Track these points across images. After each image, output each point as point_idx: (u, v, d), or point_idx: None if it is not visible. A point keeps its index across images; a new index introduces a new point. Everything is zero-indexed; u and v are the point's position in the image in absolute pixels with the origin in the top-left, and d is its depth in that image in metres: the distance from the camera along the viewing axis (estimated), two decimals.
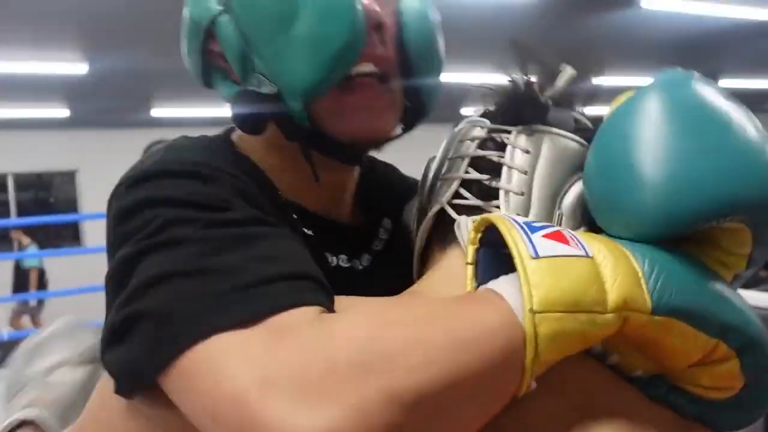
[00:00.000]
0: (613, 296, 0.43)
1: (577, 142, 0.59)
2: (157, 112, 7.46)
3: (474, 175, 0.58)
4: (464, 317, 0.44)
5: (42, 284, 6.82)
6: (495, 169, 0.58)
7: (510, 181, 0.57)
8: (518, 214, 0.55)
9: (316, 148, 0.60)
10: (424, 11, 0.61)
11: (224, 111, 0.61)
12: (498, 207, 0.56)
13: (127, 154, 8.22)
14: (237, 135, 0.66)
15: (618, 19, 4.98)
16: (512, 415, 0.46)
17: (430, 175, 0.62)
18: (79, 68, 5.10)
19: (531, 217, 0.55)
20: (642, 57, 6.63)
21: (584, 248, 0.46)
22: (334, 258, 0.64)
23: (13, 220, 8.10)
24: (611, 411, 0.49)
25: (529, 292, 0.42)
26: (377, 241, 0.70)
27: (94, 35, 4.56)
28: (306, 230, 0.61)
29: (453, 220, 0.56)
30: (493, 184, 0.57)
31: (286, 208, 0.60)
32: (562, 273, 0.43)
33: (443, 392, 0.40)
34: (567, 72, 0.59)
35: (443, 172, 0.61)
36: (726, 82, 8.53)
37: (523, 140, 0.58)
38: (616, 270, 0.44)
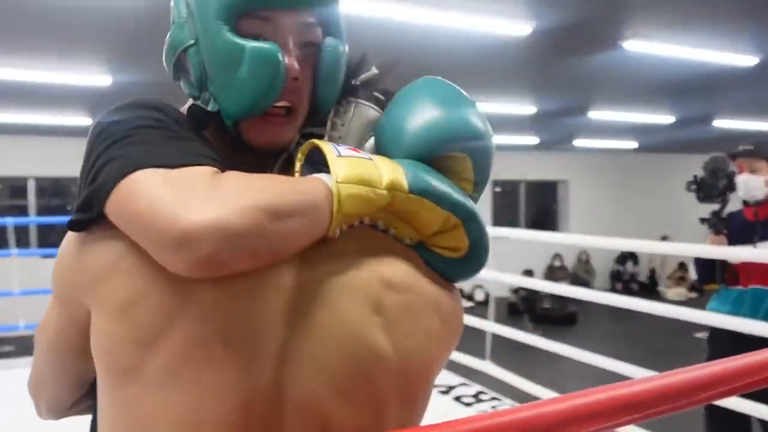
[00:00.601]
0: (385, 180, 0.74)
1: (375, 110, 0.88)
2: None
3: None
4: (301, 182, 0.74)
5: None
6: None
7: (334, 130, 0.87)
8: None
9: (239, 149, 0.85)
10: (330, 70, 0.85)
11: None
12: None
13: None
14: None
15: (603, 60, 5.29)
16: (324, 246, 0.74)
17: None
18: (103, 80, 5.53)
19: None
20: (628, 95, 6.95)
21: (369, 156, 0.77)
22: None
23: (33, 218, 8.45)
24: (393, 251, 0.78)
25: (335, 172, 0.72)
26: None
27: (118, 51, 4.93)
28: None
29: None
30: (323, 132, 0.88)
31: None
32: (355, 164, 0.74)
33: (288, 211, 0.68)
34: (372, 71, 0.91)
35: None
36: (717, 123, 8.80)
37: (342, 108, 0.88)
38: (387, 167, 0.75)
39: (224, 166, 0.75)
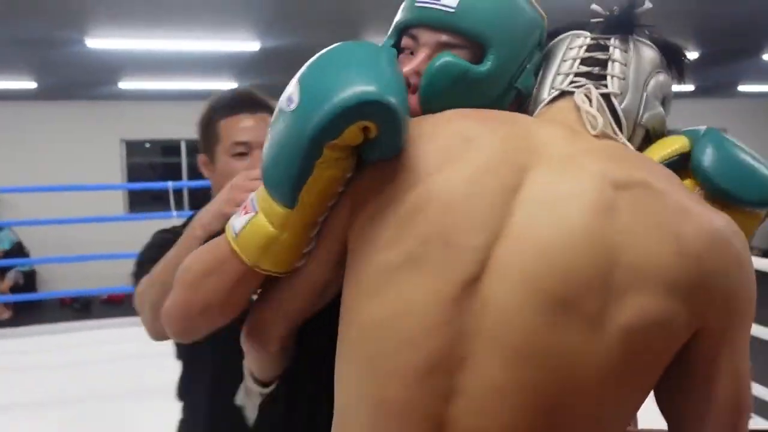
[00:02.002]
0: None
1: (651, 47, 0.88)
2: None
3: (583, 68, 0.87)
4: (214, 243, 0.87)
5: None
6: (601, 64, 0.86)
7: (614, 70, 0.85)
8: (620, 93, 0.84)
9: None
10: (437, 72, 0.83)
11: None
12: (606, 86, 0.84)
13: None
14: None
15: None
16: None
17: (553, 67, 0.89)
18: (252, 46, 5.58)
19: (627, 96, 0.84)
20: None
21: (254, 207, 0.80)
22: None
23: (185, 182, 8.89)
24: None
25: (236, 244, 0.80)
26: None
27: (266, 16, 4.93)
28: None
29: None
30: (604, 71, 0.85)
31: None
32: (248, 236, 0.79)
33: (201, 278, 0.85)
34: (646, 5, 0.88)
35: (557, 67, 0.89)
36: None
37: (619, 44, 0.87)
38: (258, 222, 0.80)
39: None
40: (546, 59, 0.90)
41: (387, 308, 0.70)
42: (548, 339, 0.65)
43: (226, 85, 7.50)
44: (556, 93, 0.86)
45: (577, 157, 0.74)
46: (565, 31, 0.91)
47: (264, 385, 0.97)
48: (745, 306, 0.70)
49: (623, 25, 0.87)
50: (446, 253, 0.69)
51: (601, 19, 0.89)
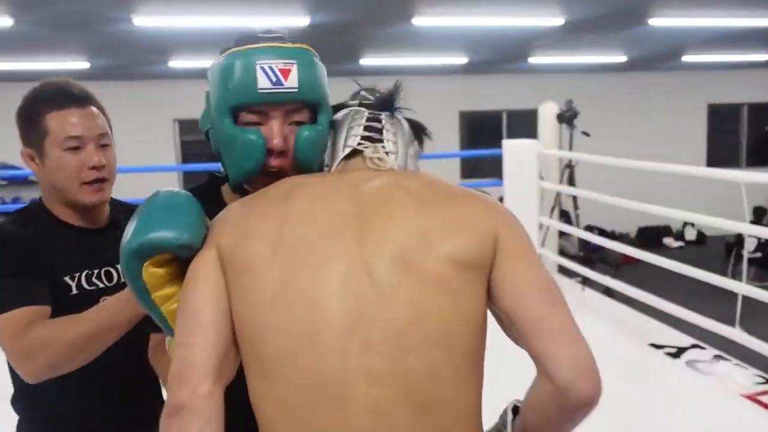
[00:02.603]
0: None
1: (405, 122, 1.15)
2: (365, 61, 7.72)
3: (366, 134, 1.11)
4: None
5: None
6: (377, 131, 1.10)
7: (388, 136, 1.10)
8: (395, 152, 1.10)
9: (241, 193, 1.15)
10: (302, 148, 1.10)
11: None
12: (384, 147, 1.09)
13: (334, 101, 8.70)
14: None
15: None
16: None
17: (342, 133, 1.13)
18: (301, 21, 5.42)
19: (399, 155, 1.11)
20: None
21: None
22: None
23: None
24: None
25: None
26: None
27: None
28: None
29: None
30: (381, 136, 1.10)
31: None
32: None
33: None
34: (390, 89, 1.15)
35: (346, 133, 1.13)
36: None
37: (388, 119, 1.12)
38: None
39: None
40: (335, 127, 1.14)
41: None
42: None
43: None
44: (349, 150, 1.10)
45: (383, 185, 1.02)
46: (344, 107, 1.16)
47: None
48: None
49: (389, 106, 1.13)
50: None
51: (371, 100, 1.14)
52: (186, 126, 9.36)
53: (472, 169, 9.84)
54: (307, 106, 1.11)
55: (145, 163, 7.80)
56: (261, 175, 1.09)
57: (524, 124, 9.40)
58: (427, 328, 0.89)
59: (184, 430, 0.84)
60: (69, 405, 1.34)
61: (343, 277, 0.90)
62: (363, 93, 1.17)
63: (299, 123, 1.10)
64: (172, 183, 8.86)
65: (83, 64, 7.13)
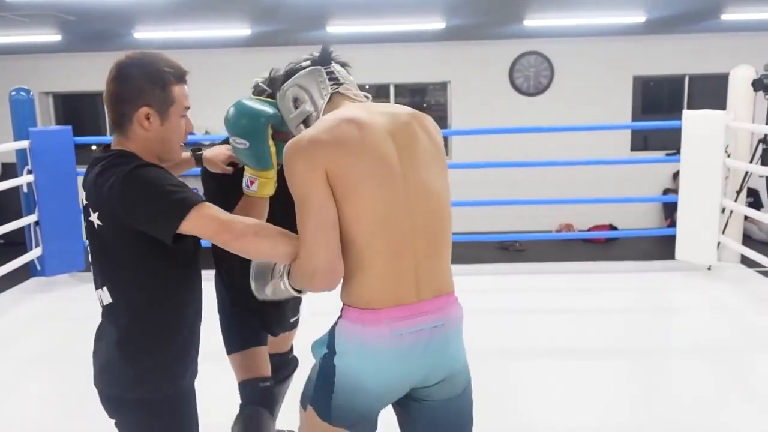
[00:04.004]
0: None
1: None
2: (529, 22, 7.17)
3: (331, 81, 1.62)
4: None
5: None
6: (335, 78, 1.62)
7: (343, 78, 1.63)
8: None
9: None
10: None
11: None
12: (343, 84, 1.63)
13: (494, 65, 8.17)
14: None
15: None
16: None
17: None
18: None
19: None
20: None
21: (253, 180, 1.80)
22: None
23: None
24: None
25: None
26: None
27: None
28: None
29: None
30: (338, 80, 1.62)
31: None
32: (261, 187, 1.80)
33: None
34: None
35: None
36: None
37: (336, 68, 1.64)
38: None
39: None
40: (302, 86, 1.61)
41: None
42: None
43: (437, 24, 7.08)
44: (328, 96, 1.58)
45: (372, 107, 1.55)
46: (300, 70, 1.63)
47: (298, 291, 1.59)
48: None
49: (328, 60, 1.63)
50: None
51: (314, 58, 1.64)
52: None
53: (644, 140, 8.98)
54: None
55: None
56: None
57: (710, 92, 8.34)
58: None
59: (338, 282, 1.44)
60: (185, 335, 1.62)
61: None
62: (305, 57, 1.65)
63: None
64: None
65: (245, 31, 7.25)
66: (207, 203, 1.46)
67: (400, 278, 1.43)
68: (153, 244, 1.45)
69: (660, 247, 7.79)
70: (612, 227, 8.43)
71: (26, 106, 5.07)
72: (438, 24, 7.12)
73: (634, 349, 3.59)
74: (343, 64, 1.66)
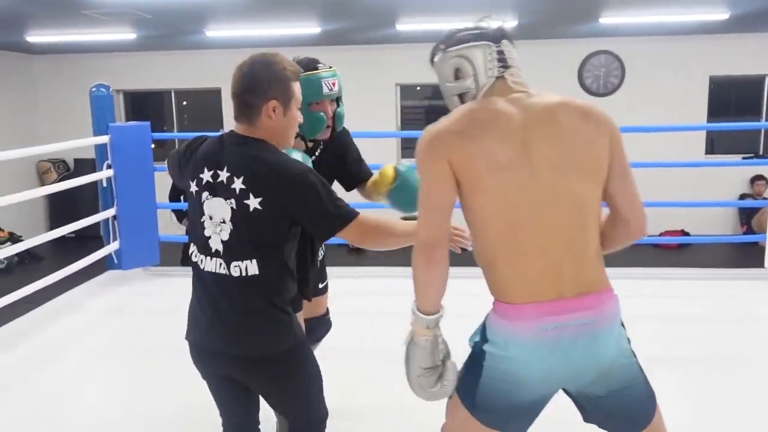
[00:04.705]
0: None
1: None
2: (605, 20, 6.96)
3: (498, 64, 1.57)
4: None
5: None
6: (503, 60, 1.55)
7: (513, 62, 1.56)
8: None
9: (305, 140, 2.24)
10: (339, 119, 2.26)
11: None
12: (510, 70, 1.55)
13: (562, 65, 7.95)
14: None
15: None
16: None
17: None
18: None
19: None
20: None
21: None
22: (312, 157, 2.22)
23: None
24: None
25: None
26: (320, 153, 2.32)
27: None
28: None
29: None
30: (506, 63, 1.55)
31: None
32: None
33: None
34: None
35: None
36: None
37: (508, 45, 1.58)
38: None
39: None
40: (470, 60, 1.53)
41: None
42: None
43: (508, 21, 6.94)
44: (493, 79, 1.51)
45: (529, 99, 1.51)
46: (470, 39, 1.55)
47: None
48: None
49: (506, 35, 1.56)
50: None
51: (484, 30, 1.55)
52: (406, 91, 9.32)
53: (720, 142, 8.65)
54: (339, 98, 2.25)
55: (366, 127, 7.88)
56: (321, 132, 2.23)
57: None
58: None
59: (439, 256, 1.45)
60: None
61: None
62: (482, 24, 1.56)
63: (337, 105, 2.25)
64: (391, 148, 8.89)
65: (314, 29, 7.27)
66: (361, 215, 1.73)
67: (537, 274, 1.42)
68: (299, 232, 1.75)
69: (738, 254, 7.48)
70: (684, 233, 8.15)
71: (106, 102, 5.17)
72: (510, 22, 7.00)
73: (716, 359, 3.42)
74: (509, 40, 1.57)
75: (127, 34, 7.69)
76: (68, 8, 6.15)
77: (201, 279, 1.76)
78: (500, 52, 1.52)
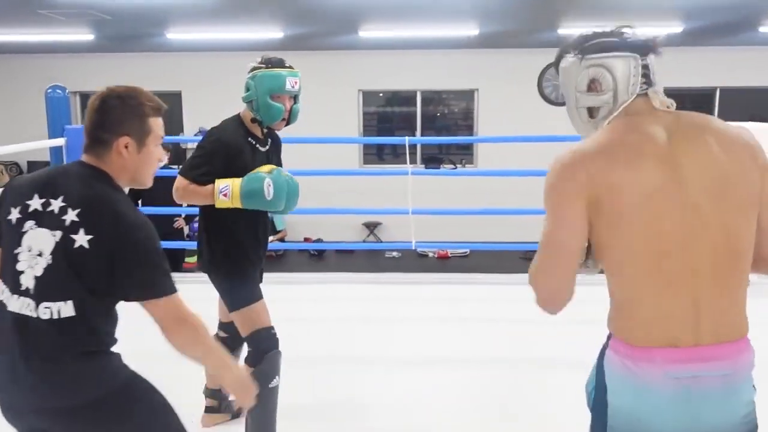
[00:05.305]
0: None
1: None
2: (564, 31, 7.11)
3: (642, 80, 1.40)
4: None
5: None
6: (646, 76, 1.38)
7: (656, 79, 1.41)
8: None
9: (262, 126, 2.54)
10: (297, 110, 2.55)
11: None
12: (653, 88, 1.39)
13: (523, 74, 8.09)
14: (243, 111, 2.55)
15: None
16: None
17: None
18: None
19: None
20: None
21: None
22: (261, 147, 2.56)
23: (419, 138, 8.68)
24: None
25: None
26: (267, 145, 2.60)
27: None
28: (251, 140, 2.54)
29: None
30: (649, 80, 1.39)
31: (247, 137, 2.52)
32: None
33: None
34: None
35: None
36: None
37: (653, 61, 1.41)
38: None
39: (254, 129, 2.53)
40: (613, 73, 1.36)
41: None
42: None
43: (470, 30, 7.04)
44: (634, 96, 1.36)
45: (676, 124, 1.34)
46: (612, 48, 1.38)
47: None
48: None
49: (653, 50, 1.38)
50: None
51: (631, 40, 1.38)
52: (369, 97, 9.35)
53: None
54: (296, 96, 2.53)
55: (329, 133, 7.87)
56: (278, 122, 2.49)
57: (745, 105, 8.25)
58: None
59: (560, 303, 1.34)
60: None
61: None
62: (626, 33, 1.39)
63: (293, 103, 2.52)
64: (353, 154, 8.90)
65: (277, 34, 7.24)
66: (180, 296, 1.57)
67: (675, 317, 1.26)
68: (126, 283, 1.56)
69: None
70: None
71: (62, 104, 5.06)
72: (472, 30, 7.08)
73: None
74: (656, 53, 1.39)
75: (85, 35, 7.54)
76: (24, 7, 6.01)
77: (3, 321, 1.53)
78: (645, 66, 1.36)
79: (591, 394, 1.38)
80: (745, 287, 1.32)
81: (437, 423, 2.81)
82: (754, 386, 1.33)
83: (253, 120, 2.48)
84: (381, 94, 9.48)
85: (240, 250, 2.50)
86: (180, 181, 2.43)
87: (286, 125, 2.52)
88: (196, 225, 8.91)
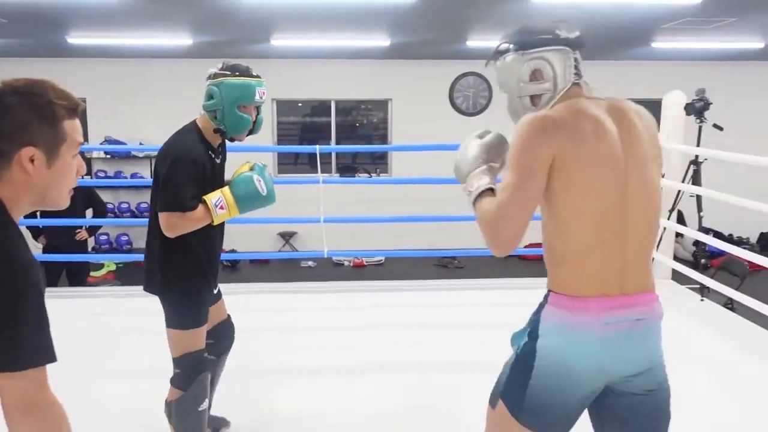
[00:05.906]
0: None
1: None
2: (472, 43, 7.32)
3: (574, 71, 1.63)
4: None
5: None
6: (577, 68, 1.62)
7: (581, 71, 1.65)
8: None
9: (225, 137, 2.43)
10: (261, 119, 2.48)
11: None
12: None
13: (435, 85, 8.24)
14: (201, 120, 2.42)
15: None
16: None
17: None
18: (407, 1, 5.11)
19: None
20: None
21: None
22: (217, 159, 2.44)
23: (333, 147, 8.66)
24: None
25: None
26: (220, 155, 2.49)
27: None
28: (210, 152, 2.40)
29: None
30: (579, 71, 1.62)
31: (207, 150, 2.38)
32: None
33: None
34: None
35: None
36: None
37: (579, 55, 1.64)
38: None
39: (213, 140, 2.42)
40: (552, 64, 1.57)
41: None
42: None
43: (381, 41, 7.12)
44: (569, 85, 1.57)
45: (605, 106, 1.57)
46: (549, 42, 1.59)
47: None
48: None
49: (581, 45, 1.60)
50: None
51: (567, 39, 1.59)
52: (289, 108, 9.29)
53: None
54: (259, 107, 2.45)
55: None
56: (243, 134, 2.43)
57: None
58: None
59: (514, 246, 1.51)
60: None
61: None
62: (559, 30, 1.58)
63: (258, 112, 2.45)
64: (267, 162, 8.81)
65: (186, 41, 7.09)
66: (43, 374, 1.19)
67: (607, 272, 1.48)
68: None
69: None
70: None
71: None
72: (383, 41, 7.18)
73: None
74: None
75: None
76: None
77: None
78: (576, 60, 1.58)
79: (519, 342, 1.55)
80: (655, 246, 1.56)
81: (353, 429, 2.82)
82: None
83: (216, 130, 2.34)
84: (300, 104, 9.44)
85: (198, 268, 2.38)
86: (170, 218, 2.23)
87: (249, 135, 2.42)
88: (102, 237, 8.56)
